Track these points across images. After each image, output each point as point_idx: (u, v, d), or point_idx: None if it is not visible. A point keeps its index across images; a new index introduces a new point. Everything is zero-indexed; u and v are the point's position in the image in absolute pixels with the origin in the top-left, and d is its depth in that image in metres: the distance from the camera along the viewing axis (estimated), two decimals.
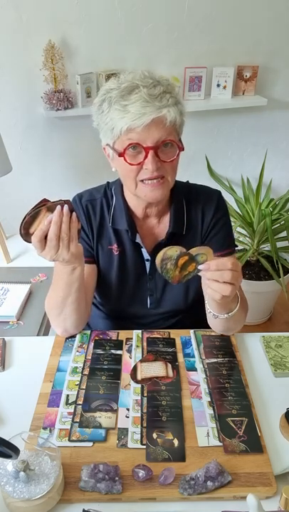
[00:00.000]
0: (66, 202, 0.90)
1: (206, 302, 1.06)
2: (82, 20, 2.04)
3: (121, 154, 0.99)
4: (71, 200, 1.20)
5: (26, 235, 0.91)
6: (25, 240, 0.91)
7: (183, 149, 1.03)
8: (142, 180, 1.02)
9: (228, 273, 0.86)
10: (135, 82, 0.96)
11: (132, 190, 1.06)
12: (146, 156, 0.98)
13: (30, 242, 0.91)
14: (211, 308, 1.02)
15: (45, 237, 0.90)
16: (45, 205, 0.89)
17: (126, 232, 1.15)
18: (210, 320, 1.11)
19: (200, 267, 0.87)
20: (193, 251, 0.89)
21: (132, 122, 0.94)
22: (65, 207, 0.90)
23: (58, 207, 0.89)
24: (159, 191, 1.03)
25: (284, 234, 2.32)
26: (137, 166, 1.00)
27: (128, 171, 1.01)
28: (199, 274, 0.89)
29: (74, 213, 0.91)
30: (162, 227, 1.18)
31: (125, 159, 0.99)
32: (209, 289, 0.90)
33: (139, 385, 0.98)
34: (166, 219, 1.17)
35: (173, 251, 0.89)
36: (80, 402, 0.94)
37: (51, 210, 0.89)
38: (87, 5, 2.01)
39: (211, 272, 0.87)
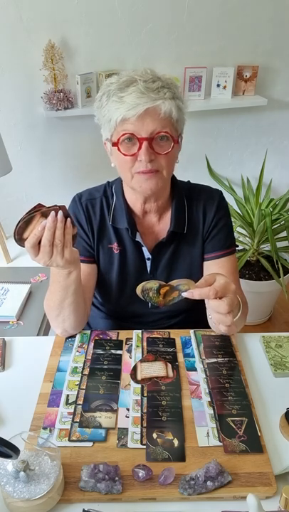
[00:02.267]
0: (61, 207, 0.89)
1: (207, 312, 1.06)
2: (82, 20, 2.04)
3: (115, 144, 1.00)
4: (70, 199, 1.20)
5: (20, 240, 0.89)
6: (19, 245, 0.90)
7: (178, 142, 1.03)
8: (138, 172, 1.02)
9: (224, 306, 0.86)
10: (135, 76, 0.98)
11: (128, 182, 1.06)
12: (140, 147, 0.98)
13: (24, 247, 0.90)
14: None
15: (39, 242, 0.89)
16: (39, 211, 0.88)
17: (126, 231, 1.15)
18: (210, 322, 1.11)
19: (183, 294, 0.88)
20: (174, 282, 0.90)
21: (127, 112, 0.95)
22: (60, 213, 0.88)
23: (52, 213, 0.87)
24: (153, 181, 1.03)
25: (284, 234, 2.32)
26: (131, 158, 1.00)
27: (123, 162, 1.02)
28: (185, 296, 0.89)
29: (69, 219, 0.90)
30: (163, 226, 1.18)
31: (119, 149, 1.00)
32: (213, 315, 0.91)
33: (139, 385, 0.98)
34: (167, 218, 1.17)
35: (152, 284, 0.91)
36: (80, 402, 0.94)
37: (45, 215, 0.88)
38: (87, 5, 2.01)
39: (209, 307, 0.90)
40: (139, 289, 0.91)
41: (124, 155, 1.00)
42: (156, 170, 1.02)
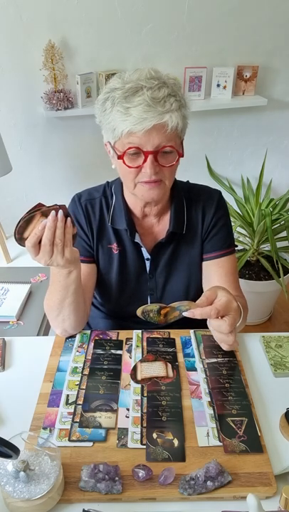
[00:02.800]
0: (61, 207, 0.89)
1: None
2: (82, 20, 2.04)
3: (120, 157, 0.99)
4: (70, 199, 1.20)
5: (20, 239, 0.90)
6: (20, 244, 0.90)
7: (182, 156, 1.03)
8: (141, 182, 1.02)
9: (225, 326, 0.86)
10: (140, 83, 0.95)
11: (131, 189, 1.07)
12: (145, 160, 0.98)
13: (24, 246, 0.90)
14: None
15: (40, 242, 0.89)
16: (39, 210, 0.88)
17: (125, 232, 1.15)
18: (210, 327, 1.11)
19: (184, 313, 0.88)
20: (174, 304, 0.90)
21: (133, 126, 0.94)
22: (60, 212, 0.88)
23: (53, 212, 0.88)
24: (156, 191, 1.04)
25: (284, 234, 2.32)
26: (135, 169, 1.00)
27: (127, 172, 1.02)
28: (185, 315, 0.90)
29: (69, 218, 0.90)
30: (162, 226, 1.18)
31: (124, 162, 0.99)
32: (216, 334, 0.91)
33: (139, 385, 0.98)
34: (166, 218, 1.17)
35: (152, 306, 0.91)
36: (80, 402, 0.94)
37: (46, 215, 0.88)
38: (87, 5, 2.01)
39: (211, 326, 0.91)
40: (139, 311, 0.92)
41: (129, 167, 1.00)
42: (160, 180, 1.02)
